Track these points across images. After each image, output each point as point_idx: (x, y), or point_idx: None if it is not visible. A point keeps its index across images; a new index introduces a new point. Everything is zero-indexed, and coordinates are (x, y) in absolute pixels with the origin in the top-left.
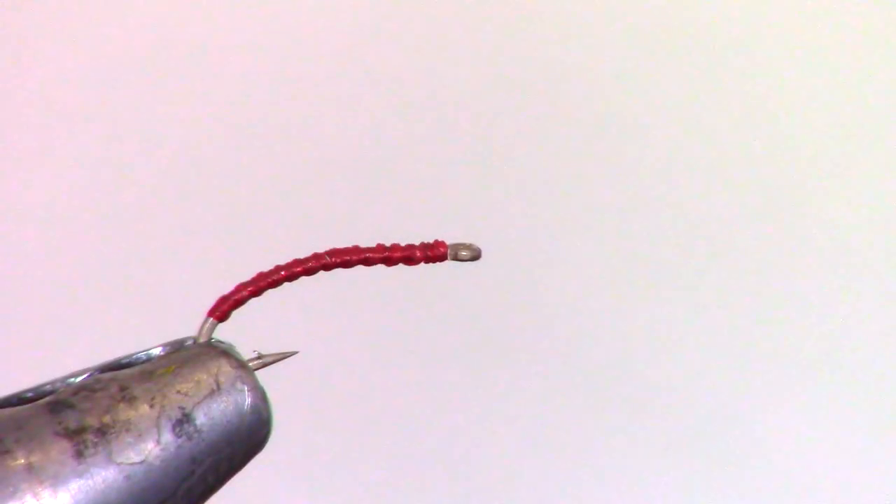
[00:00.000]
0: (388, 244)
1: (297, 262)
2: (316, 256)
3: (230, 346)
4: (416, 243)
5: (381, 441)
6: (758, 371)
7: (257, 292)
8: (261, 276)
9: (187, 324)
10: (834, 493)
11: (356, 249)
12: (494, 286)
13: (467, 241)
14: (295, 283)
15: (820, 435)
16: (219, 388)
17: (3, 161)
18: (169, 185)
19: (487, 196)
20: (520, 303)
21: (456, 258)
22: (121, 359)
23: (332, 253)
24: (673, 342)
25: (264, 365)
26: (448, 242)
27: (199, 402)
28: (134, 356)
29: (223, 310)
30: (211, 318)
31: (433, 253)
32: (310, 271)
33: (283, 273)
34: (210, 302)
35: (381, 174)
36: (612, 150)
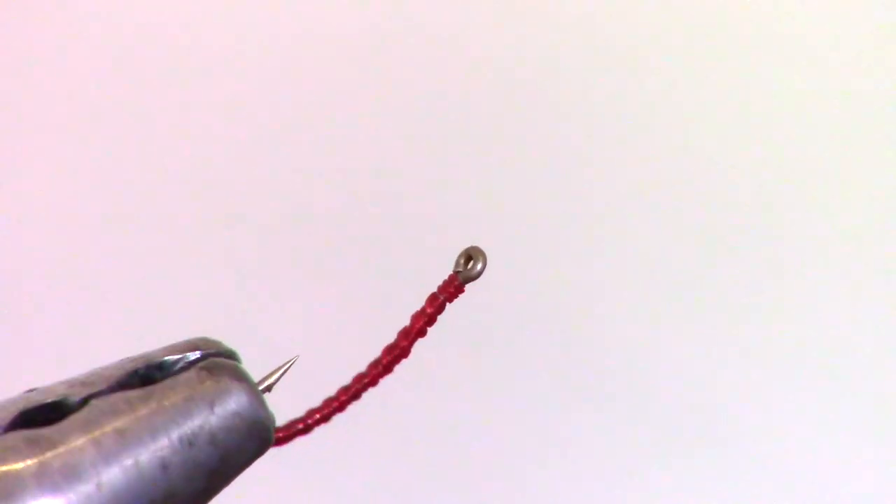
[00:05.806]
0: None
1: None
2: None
3: (240, 372)
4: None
5: (380, 441)
6: (759, 371)
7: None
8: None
9: (184, 322)
10: (834, 493)
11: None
12: (494, 287)
13: (465, 247)
14: (293, 281)
15: (821, 435)
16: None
17: (5, 162)
18: (167, 185)
19: (486, 197)
20: (520, 303)
21: (469, 278)
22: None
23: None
24: (674, 342)
25: (271, 387)
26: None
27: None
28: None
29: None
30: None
31: (450, 292)
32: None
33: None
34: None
35: (381, 177)
36: (611, 150)
